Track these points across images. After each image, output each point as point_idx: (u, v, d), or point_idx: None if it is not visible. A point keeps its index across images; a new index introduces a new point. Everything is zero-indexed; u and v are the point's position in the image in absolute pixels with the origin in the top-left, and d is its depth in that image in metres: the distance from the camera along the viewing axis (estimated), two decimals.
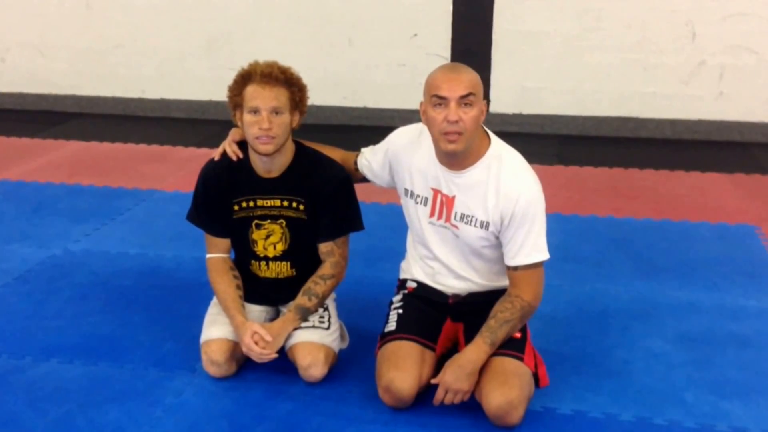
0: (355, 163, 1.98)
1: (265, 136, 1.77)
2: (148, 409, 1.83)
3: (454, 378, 1.70)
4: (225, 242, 1.97)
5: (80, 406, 1.85)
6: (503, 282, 1.85)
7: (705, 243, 2.79)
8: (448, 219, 1.81)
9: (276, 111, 1.77)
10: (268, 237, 1.92)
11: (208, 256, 1.99)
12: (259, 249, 1.94)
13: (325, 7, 4.27)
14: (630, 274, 2.52)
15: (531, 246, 1.72)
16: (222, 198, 1.92)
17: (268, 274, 1.97)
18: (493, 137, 1.79)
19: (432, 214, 1.83)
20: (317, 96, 4.59)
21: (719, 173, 3.53)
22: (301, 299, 1.91)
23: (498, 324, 1.72)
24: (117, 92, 4.67)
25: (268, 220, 1.91)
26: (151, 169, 3.64)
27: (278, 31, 4.35)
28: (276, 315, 2.05)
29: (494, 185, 1.73)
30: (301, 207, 1.90)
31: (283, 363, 1.93)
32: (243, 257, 2.00)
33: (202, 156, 4.07)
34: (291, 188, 1.89)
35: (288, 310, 1.93)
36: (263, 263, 1.96)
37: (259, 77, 1.77)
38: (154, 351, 2.08)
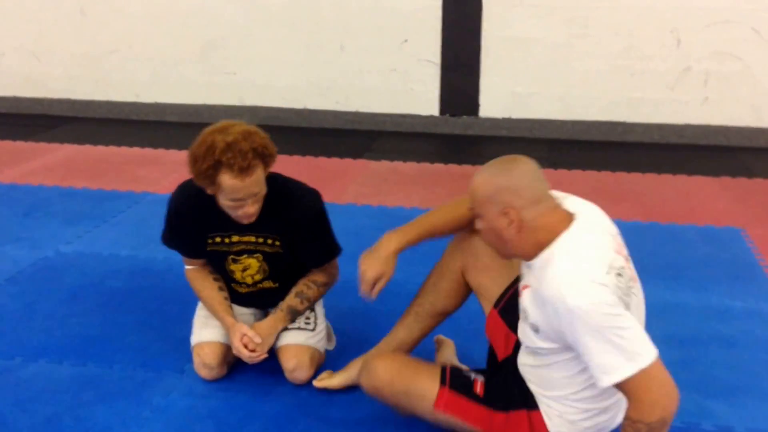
0: None
1: (248, 217, 1.73)
2: (136, 409, 1.82)
3: None
4: (202, 260, 1.94)
5: (69, 406, 1.84)
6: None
7: (692, 245, 2.81)
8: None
9: (257, 193, 1.70)
10: (245, 270, 1.89)
11: (186, 268, 1.97)
12: (238, 277, 1.91)
13: (317, 13, 4.30)
14: None
15: (605, 364, 1.32)
16: (195, 230, 1.85)
17: (251, 290, 1.95)
18: (563, 237, 1.40)
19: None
20: (310, 100, 4.70)
21: (706, 176, 3.56)
22: (292, 300, 1.90)
23: None
24: (112, 96, 4.69)
25: (245, 255, 1.86)
26: (145, 172, 3.65)
27: (271, 36, 4.38)
28: (265, 315, 2.04)
29: (538, 289, 1.41)
30: (277, 243, 1.85)
31: (272, 363, 1.94)
32: (222, 277, 1.96)
33: None
34: (265, 226, 1.81)
35: (279, 309, 1.92)
36: (243, 286, 1.94)
37: (237, 171, 1.61)
38: (143, 352, 2.07)
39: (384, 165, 3.77)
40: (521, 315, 1.52)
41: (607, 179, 3.57)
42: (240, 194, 1.67)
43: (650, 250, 2.75)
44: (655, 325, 2.20)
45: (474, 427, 1.55)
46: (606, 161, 3.83)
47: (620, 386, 1.34)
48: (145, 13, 4.47)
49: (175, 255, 2.72)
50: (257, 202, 1.72)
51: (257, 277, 1.89)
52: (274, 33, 4.35)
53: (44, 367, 2.00)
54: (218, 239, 1.85)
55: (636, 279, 1.48)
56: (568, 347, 1.41)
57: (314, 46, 4.34)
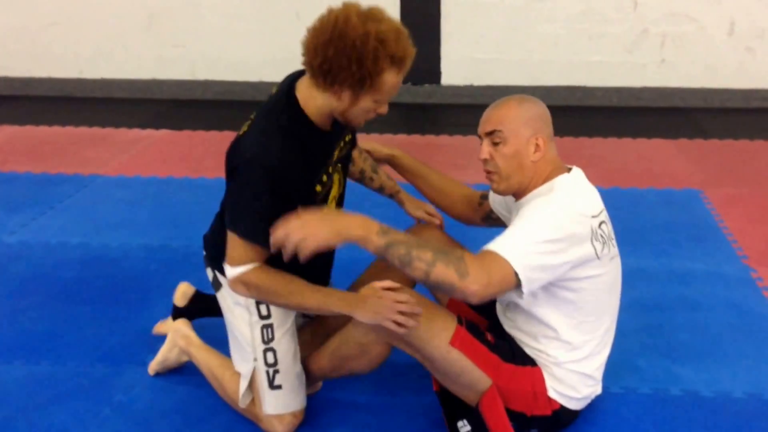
0: (483, 197, 1.80)
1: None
2: (95, 408, 1.75)
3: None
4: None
5: (21, 409, 1.75)
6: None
7: (652, 209, 2.85)
8: None
9: None
10: (331, 189, 1.67)
11: (247, 271, 1.50)
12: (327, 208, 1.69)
13: None
14: None
15: (503, 236, 1.44)
16: (299, 189, 1.52)
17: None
18: (566, 174, 1.56)
19: None
20: (267, 72, 4.52)
21: (664, 139, 3.62)
22: (389, 182, 1.90)
23: (414, 243, 1.38)
24: (53, 73, 4.46)
25: (335, 174, 1.66)
26: (93, 153, 3.48)
27: (223, 5, 4.20)
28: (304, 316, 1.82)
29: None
30: (348, 137, 1.68)
31: None
32: None
33: (146, 138, 3.94)
34: (341, 126, 1.61)
35: (399, 192, 1.91)
36: None
37: (404, 66, 1.46)
38: (99, 346, 1.99)
39: None
40: None
41: (568, 144, 3.57)
42: (394, 92, 1.47)
43: (612, 216, 2.68)
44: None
45: (482, 372, 1.52)
46: (567, 126, 3.82)
47: (480, 253, 1.41)
48: None
49: (130, 240, 2.62)
50: None
51: (334, 193, 1.67)
52: (224, 2, 4.17)
53: None
54: (324, 178, 1.58)
55: (613, 238, 1.58)
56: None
57: (268, 15, 4.18)
